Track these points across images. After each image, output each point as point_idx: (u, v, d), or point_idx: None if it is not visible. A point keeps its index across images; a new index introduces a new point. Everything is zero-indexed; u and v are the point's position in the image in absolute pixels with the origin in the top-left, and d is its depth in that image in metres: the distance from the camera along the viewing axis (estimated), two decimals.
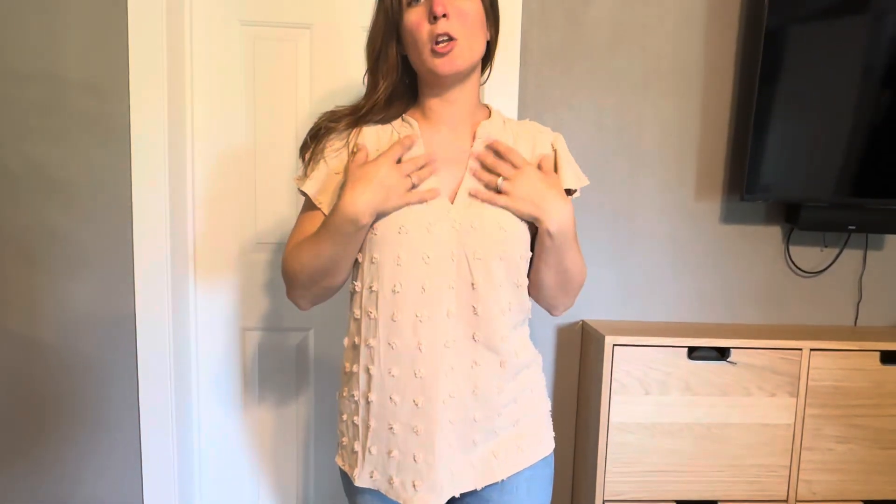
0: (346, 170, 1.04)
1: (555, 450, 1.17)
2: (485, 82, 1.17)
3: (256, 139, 1.77)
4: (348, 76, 1.75)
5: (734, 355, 1.65)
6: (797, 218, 1.78)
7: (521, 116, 1.74)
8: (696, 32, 1.78)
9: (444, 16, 0.97)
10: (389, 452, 1.04)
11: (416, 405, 1.01)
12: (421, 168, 1.02)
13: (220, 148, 1.77)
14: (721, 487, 1.68)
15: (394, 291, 1.01)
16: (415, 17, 1.00)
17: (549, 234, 1.02)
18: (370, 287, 1.03)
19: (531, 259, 1.09)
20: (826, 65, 1.69)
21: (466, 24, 0.99)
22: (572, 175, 1.12)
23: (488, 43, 1.08)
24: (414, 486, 1.03)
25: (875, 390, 1.69)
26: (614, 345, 1.63)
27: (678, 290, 1.87)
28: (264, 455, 1.90)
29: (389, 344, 1.02)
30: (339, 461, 1.14)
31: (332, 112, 1.10)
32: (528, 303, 1.11)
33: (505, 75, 1.70)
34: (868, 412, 1.70)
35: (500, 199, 1.02)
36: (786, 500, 1.70)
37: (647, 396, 1.64)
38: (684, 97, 1.80)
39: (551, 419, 1.18)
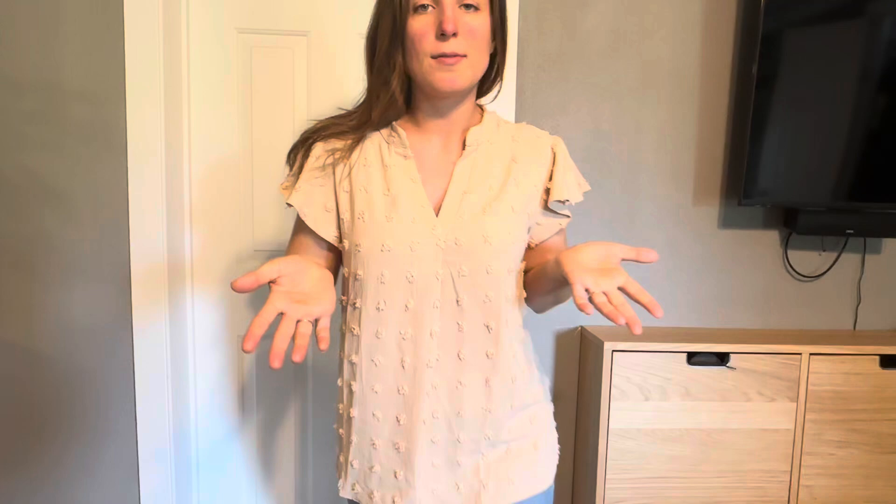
0: (337, 183, 1.03)
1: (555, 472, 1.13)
2: (494, 98, 1.12)
3: (253, 147, 1.77)
4: (345, 83, 1.75)
5: (733, 360, 1.65)
6: (795, 222, 1.78)
7: (517, 122, 1.73)
8: (693, 38, 1.79)
9: (454, 34, 0.92)
10: (371, 468, 1.03)
11: (399, 422, 1.00)
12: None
13: (216, 155, 1.76)
14: (722, 493, 1.68)
15: (378, 309, 0.99)
16: (419, 26, 0.94)
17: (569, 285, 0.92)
18: (354, 303, 1.01)
19: (528, 274, 1.07)
20: (823, 69, 1.69)
21: (475, 42, 0.95)
22: (573, 182, 1.08)
23: (492, 56, 1.02)
24: (394, 501, 1.02)
25: (875, 394, 1.69)
26: (613, 350, 1.62)
27: (677, 296, 1.86)
28: (262, 464, 1.89)
29: (373, 361, 1.00)
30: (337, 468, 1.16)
31: (325, 120, 1.06)
32: (520, 318, 1.06)
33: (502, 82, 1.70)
34: (868, 416, 1.69)
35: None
36: None
37: (647, 402, 1.64)
38: (681, 102, 1.80)
39: (556, 450, 1.12)
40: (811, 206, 1.76)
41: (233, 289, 0.75)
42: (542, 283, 1.03)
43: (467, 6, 0.94)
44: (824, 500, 1.71)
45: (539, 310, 1.13)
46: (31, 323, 1.68)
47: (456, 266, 0.97)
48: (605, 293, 0.83)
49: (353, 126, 1.04)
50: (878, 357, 1.67)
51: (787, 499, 1.69)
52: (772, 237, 1.87)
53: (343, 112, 1.07)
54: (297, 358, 0.76)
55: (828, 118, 1.71)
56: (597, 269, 0.87)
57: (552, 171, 1.06)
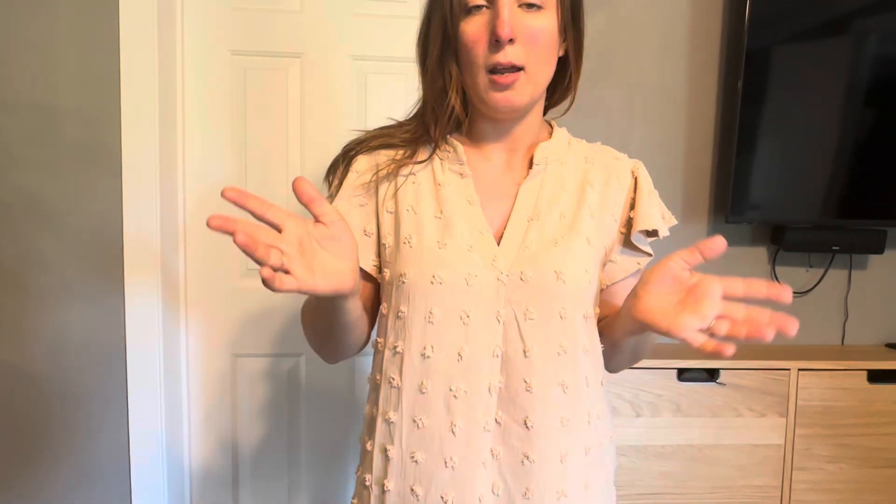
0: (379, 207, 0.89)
1: None
2: (567, 111, 0.95)
3: (247, 168, 1.78)
4: (339, 105, 1.77)
5: (723, 376, 1.66)
6: (782, 239, 1.80)
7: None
8: (680, 56, 1.82)
9: (511, 41, 0.78)
10: None
11: (445, 502, 0.80)
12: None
13: (211, 176, 1.78)
14: None
15: (423, 356, 0.81)
16: (472, 31, 0.80)
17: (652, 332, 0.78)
18: (394, 347, 0.84)
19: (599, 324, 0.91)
20: (807, 86, 1.72)
21: (536, 50, 0.80)
22: (658, 213, 0.91)
23: (562, 59, 0.88)
24: None
25: (863, 409, 1.70)
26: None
27: None
28: (255, 483, 1.88)
29: (414, 421, 0.81)
30: None
31: (372, 131, 0.93)
32: (600, 373, 0.89)
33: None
34: (857, 431, 1.71)
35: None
36: None
37: (638, 418, 1.65)
38: (669, 121, 1.83)
39: None
40: (798, 223, 1.79)
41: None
42: (615, 337, 0.87)
43: (529, 5, 0.79)
44: None
45: (614, 369, 0.96)
46: (24, 342, 1.68)
47: (521, 307, 0.81)
48: (720, 318, 0.67)
49: (405, 140, 0.90)
50: (865, 372, 1.69)
51: None
52: (760, 254, 1.89)
53: (394, 122, 0.93)
54: (238, 238, 0.58)
55: (814, 135, 1.74)
56: (682, 299, 0.71)
57: (634, 198, 0.91)
